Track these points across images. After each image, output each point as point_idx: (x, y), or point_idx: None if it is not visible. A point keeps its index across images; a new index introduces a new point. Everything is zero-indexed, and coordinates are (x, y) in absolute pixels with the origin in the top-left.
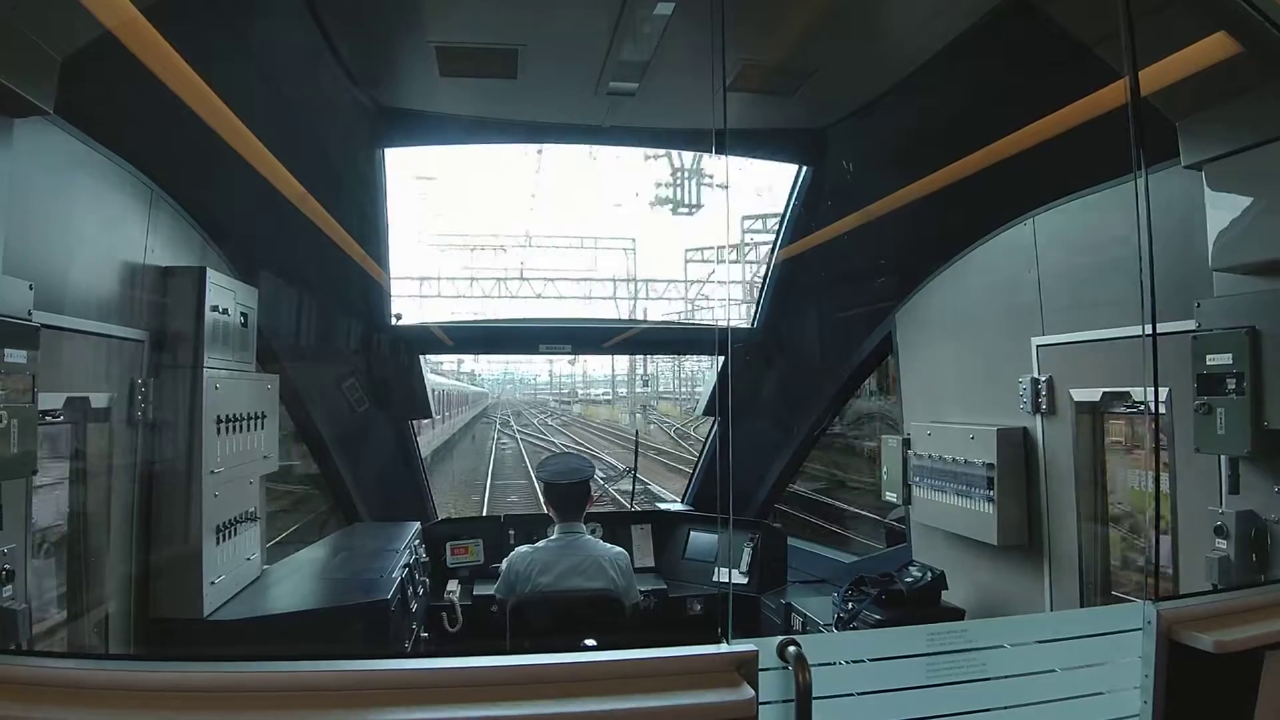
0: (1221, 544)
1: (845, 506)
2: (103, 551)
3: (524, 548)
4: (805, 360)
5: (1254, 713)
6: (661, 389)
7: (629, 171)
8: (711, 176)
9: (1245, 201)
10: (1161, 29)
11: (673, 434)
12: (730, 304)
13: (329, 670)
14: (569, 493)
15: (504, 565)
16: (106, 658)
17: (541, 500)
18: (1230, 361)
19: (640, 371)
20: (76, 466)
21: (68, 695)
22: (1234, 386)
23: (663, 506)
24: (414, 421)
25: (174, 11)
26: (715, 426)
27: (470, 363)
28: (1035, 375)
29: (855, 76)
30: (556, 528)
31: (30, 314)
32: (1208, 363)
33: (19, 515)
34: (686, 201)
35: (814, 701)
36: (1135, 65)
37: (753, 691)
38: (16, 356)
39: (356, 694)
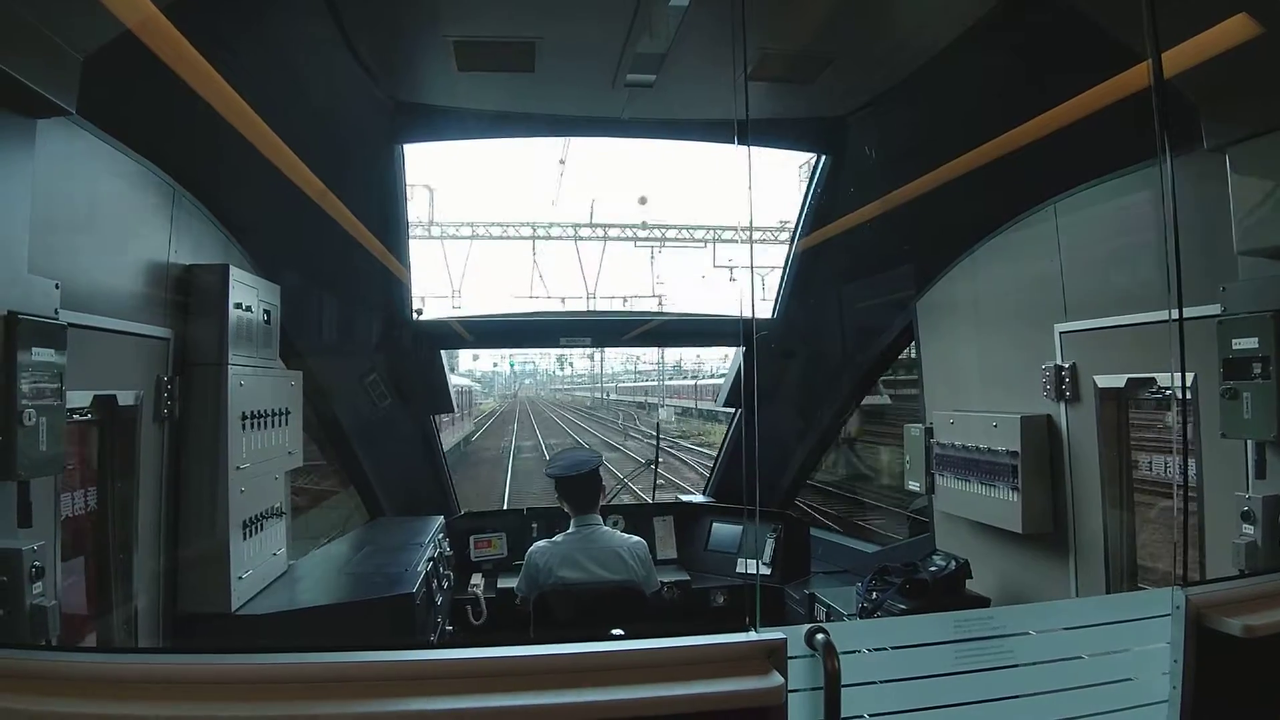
0: (1248, 529)
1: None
2: (131, 548)
3: (542, 542)
4: (826, 349)
5: None
6: None
7: None
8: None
9: (1270, 184)
10: (1183, 11)
11: None
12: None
13: (358, 660)
14: (580, 485)
15: (524, 562)
16: (137, 651)
17: (556, 497)
18: (1256, 345)
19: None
20: (104, 464)
21: (100, 689)
22: (1260, 370)
23: (684, 498)
24: (435, 416)
25: (193, 9)
26: (737, 417)
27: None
28: (1059, 362)
29: (875, 63)
30: (573, 521)
31: (57, 313)
32: (1234, 347)
33: (48, 513)
34: None
35: (842, 689)
36: (1158, 48)
37: (782, 679)
38: (44, 355)
39: (385, 684)
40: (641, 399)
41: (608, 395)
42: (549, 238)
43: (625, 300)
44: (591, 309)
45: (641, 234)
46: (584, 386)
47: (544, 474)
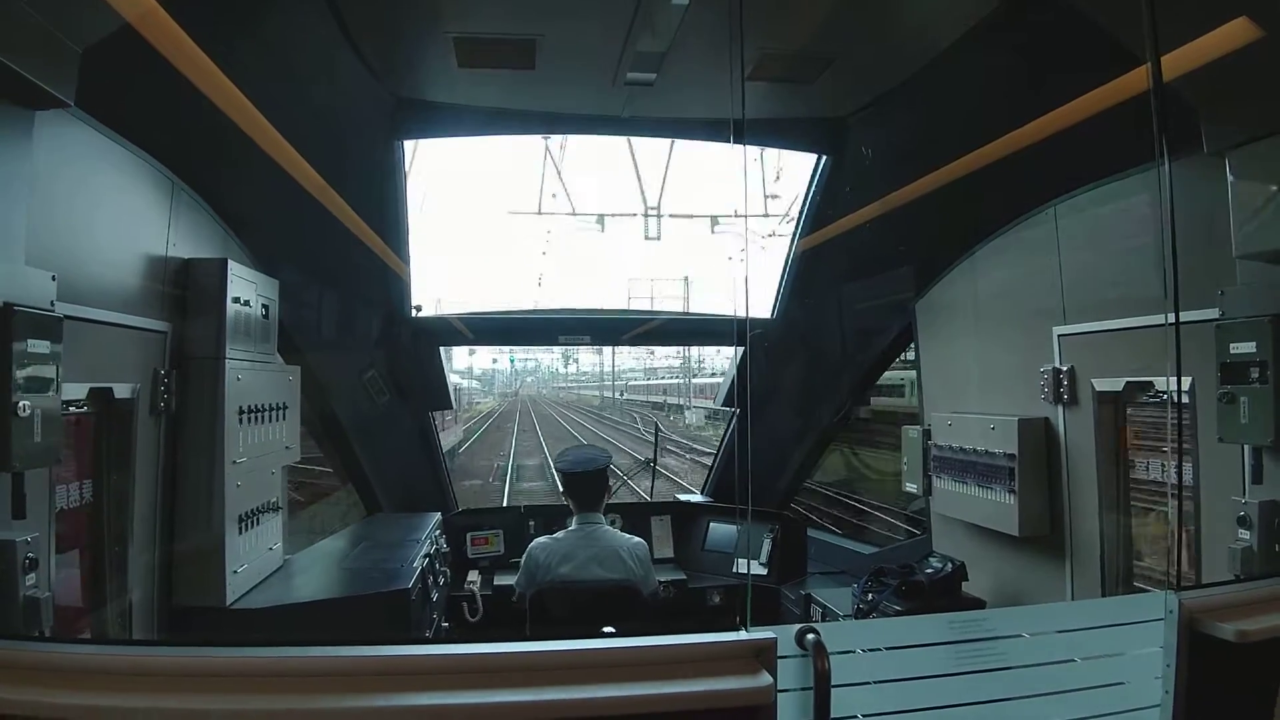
0: (1244, 534)
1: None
2: (126, 541)
3: (543, 538)
4: (824, 350)
5: (1275, 703)
6: None
7: None
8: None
9: (1269, 188)
10: (1183, 14)
11: None
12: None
13: (353, 655)
14: (587, 482)
15: (523, 557)
16: (130, 643)
17: (560, 492)
18: (1254, 350)
19: None
20: (100, 456)
21: (93, 680)
22: (1257, 375)
23: (682, 498)
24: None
25: (192, 3)
26: (734, 418)
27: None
28: (1057, 365)
29: (875, 64)
30: (575, 518)
31: (53, 305)
32: (1231, 351)
33: (42, 505)
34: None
35: (833, 689)
36: (1157, 51)
37: (771, 679)
38: (40, 347)
39: (380, 679)
40: (659, 399)
41: (620, 395)
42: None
43: (715, 221)
44: (596, 307)
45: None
46: (589, 384)
47: (554, 468)
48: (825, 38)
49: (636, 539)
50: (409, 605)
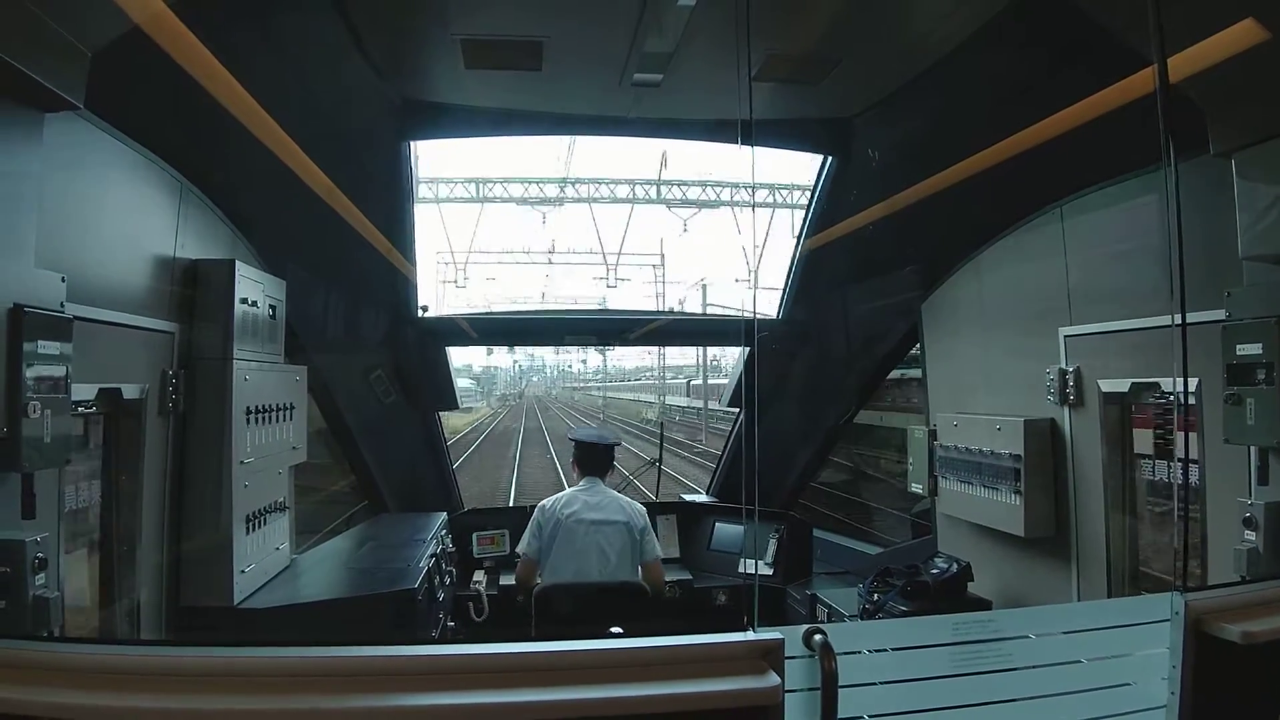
0: (1250, 535)
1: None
2: (134, 541)
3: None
4: (831, 350)
5: None
6: None
7: None
8: None
9: (1276, 190)
10: (1190, 16)
11: None
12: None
13: (359, 655)
14: (594, 450)
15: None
16: (138, 643)
17: (570, 463)
18: (1260, 351)
19: None
20: (109, 456)
21: (102, 680)
22: (1264, 377)
23: (687, 498)
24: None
25: (201, 5)
26: (741, 418)
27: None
28: (1063, 366)
29: (881, 65)
30: (581, 481)
31: (63, 306)
32: (1237, 352)
33: (52, 505)
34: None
35: (839, 690)
36: (1164, 52)
37: (778, 679)
38: (50, 348)
39: (387, 679)
40: None
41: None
42: None
43: None
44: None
45: None
46: (618, 385)
47: (567, 438)
48: (832, 38)
49: (636, 502)
50: (415, 605)
